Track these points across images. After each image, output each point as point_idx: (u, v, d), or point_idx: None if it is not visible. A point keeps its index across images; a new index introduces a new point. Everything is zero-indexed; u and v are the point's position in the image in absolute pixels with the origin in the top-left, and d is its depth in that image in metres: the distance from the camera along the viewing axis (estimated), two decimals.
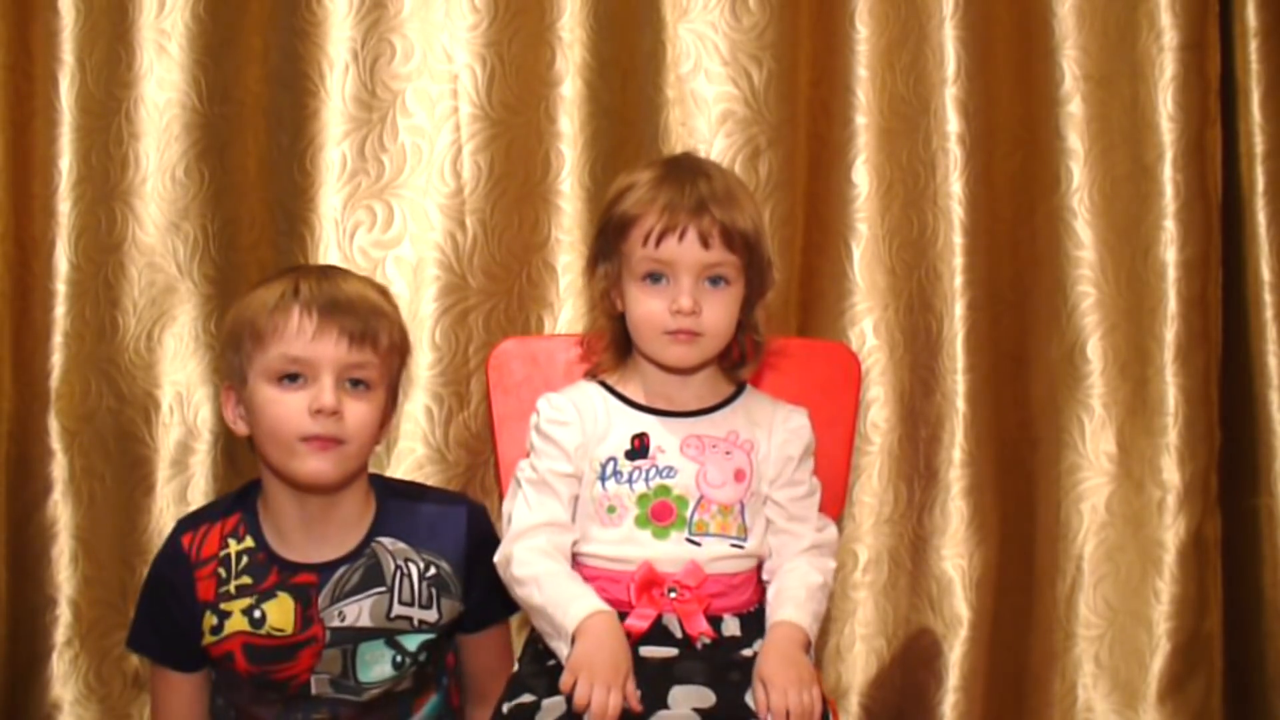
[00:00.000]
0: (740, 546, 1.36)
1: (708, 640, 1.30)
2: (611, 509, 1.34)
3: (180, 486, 1.74)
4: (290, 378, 1.30)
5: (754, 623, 1.35)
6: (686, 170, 1.36)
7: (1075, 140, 1.83)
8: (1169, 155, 1.83)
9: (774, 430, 1.39)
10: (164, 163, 1.72)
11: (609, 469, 1.35)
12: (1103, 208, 1.84)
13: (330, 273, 1.39)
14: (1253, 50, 1.86)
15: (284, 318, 1.30)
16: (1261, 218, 1.87)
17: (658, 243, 1.31)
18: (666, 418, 1.37)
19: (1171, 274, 1.83)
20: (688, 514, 1.34)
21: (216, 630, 1.36)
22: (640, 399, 1.39)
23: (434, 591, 1.39)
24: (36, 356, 1.70)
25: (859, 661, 1.84)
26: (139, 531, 1.73)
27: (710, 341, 1.34)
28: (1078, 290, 1.84)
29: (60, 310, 1.70)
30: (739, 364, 1.42)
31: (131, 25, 1.70)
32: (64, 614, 1.72)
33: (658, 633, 1.30)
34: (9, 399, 1.70)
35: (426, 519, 1.41)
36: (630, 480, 1.34)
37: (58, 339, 1.70)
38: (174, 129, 1.72)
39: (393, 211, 1.69)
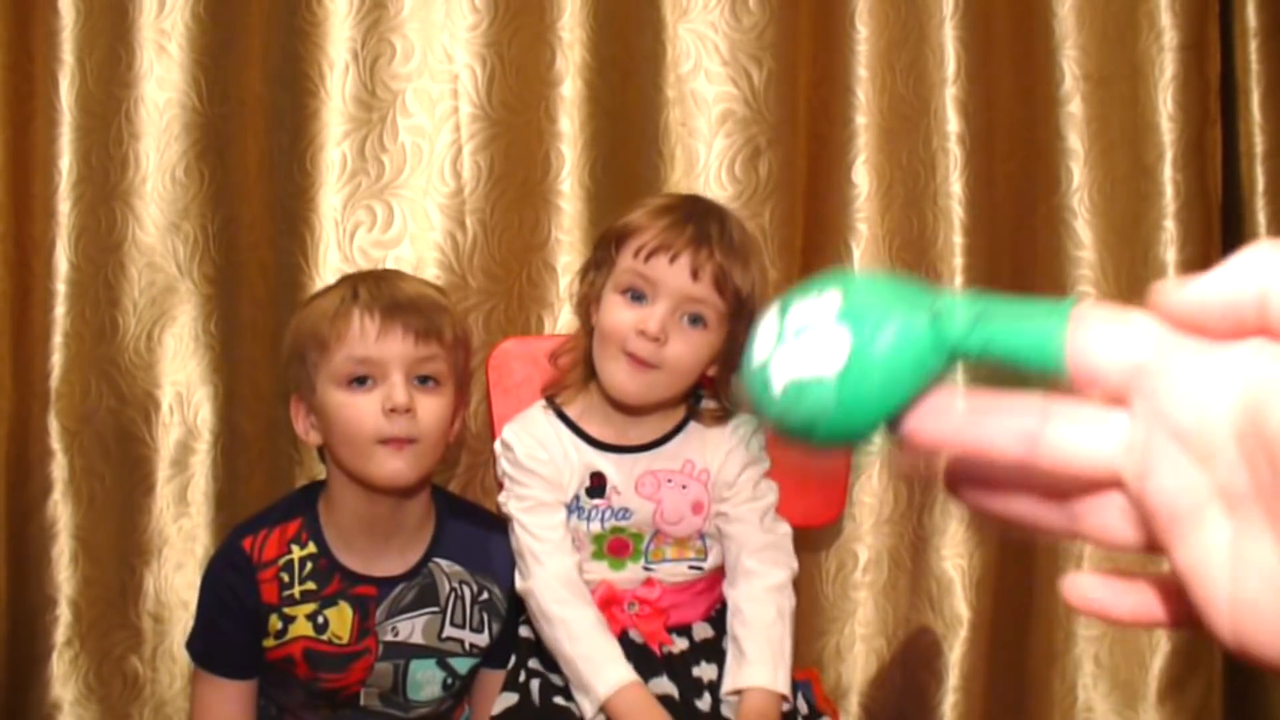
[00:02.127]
0: (699, 568, 1.37)
1: (670, 650, 1.32)
2: (570, 539, 1.35)
3: (180, 486, 1.74)
4: (359, 380, 1.29)
5: (721, 621, 1.36)
6: (702, 206, 1.34)
7: (1075, 140, 1.83)
8: (1169, 155, 1.82)
9: (718, 452, 1.37)
10: (164, 163, 1.71)
11: (572, 504, 1.35)
12: (1103, 208, 1.84)
13: (387, 275, 1.40)
14: (1253, 50, 1.85)
15: (346, 322, 1.29)
16: (1261, 218, 1.87)
17: (648, 258, 1.27)
18: (620, 454, 1.35)
19: (1171, 274, 1.83)
20: (644, 546, 1.35)
21: (281, 634, 1.34)
22: (594, 431, 1.36)
23: (485, 615, 1.39)
24: (36, 356, 1.69)
25: (859, 661, 1.84)
26: (139, 531, 1.73)
27: (665, 379, 1.29)
28: (1078, 290, 1.84)
29: (60, 310, 1.69)
30: (695, 412, 1.38)
31: (131, 25, 1.69)
32: (64, 614, 1.71)
33: (623, 644, 1.31)
34: (9, 399, 1.70)
35: (485, 545, 1.40)
36: (588, 518, 1.34)
37: (58, 339, 1.69)
38: (174, 129, 1.71)
39: (393, 211, 1.69)
